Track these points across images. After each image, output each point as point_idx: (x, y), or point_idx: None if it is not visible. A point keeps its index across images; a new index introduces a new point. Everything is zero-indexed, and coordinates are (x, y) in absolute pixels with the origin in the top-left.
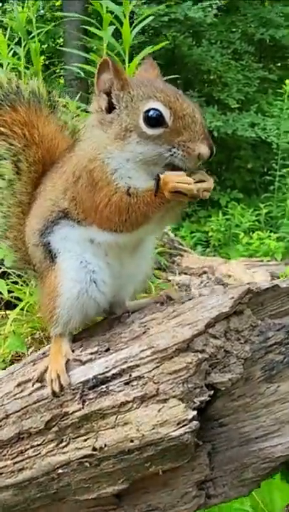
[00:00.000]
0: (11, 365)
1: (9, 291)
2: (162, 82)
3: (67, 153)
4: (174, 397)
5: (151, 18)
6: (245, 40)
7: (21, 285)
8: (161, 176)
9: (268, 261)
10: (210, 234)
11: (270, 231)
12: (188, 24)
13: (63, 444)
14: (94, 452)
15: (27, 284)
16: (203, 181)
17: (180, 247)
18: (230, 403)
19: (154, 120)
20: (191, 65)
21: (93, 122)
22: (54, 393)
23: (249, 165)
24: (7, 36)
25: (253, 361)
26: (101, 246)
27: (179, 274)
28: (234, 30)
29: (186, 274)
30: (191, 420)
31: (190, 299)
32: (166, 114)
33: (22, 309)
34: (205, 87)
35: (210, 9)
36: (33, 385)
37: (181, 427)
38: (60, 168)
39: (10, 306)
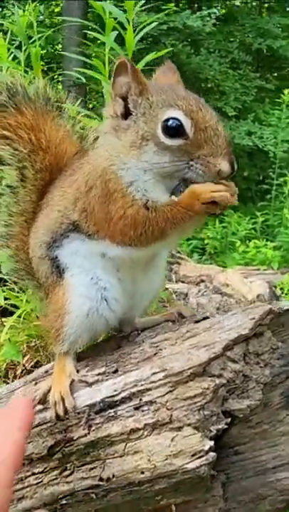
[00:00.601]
0: (5, 374)
1: (5, 298)
2: (184, 89)
3: (77, 160)
4: (188, 425)
5: (154, 24)
6: (243, 50)
7: (18, 292)
8: (189, 189)
9: (265, 270)
10: (206, 241)
11: (267, 240)
12: (187, 33)
13: (67, 472)
14: (101, 483)
15: (24, 292)
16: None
17: (177, 254)
18: (246, 430)
19: (174, 130)
20: (190, 73)
21: (107, 128)
22: (58, 417)
23: (245, 173)
24: (7, 40)
25: (272, 386)
26: (113, 261)
27: (177, 282)
28: (232, 39)
29: (183, 282)
30: (207, 451)
31: (204, 318)
32: (187, 124)
33: (19, 317)
34: (203, 95)
35: (208, 19)
36: (34, 407)
37: (197, 459)
38: (70, 177)
39: (6, 313)
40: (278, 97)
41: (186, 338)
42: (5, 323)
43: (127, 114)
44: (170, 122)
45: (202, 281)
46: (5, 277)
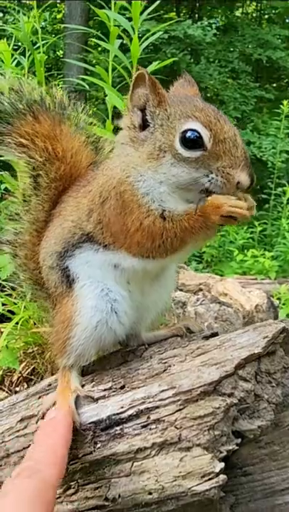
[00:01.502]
0: (2, 380)
1: (3, 304)
2: (202, 101)
3: (91, 171)
4: (198, 445)
5: (158, 34)
6: (242, 60)
7: (15, 298)
8: (210, 199)
9: (262, 279)
10: (204, 250)
11: (265, 249)
12: (188, 42)
13: (71, 491)
14: (106, 503)
15: (22, 298)
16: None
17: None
18: (256, 451)
19: (192, 142)
20: None
21: (124, 139)
22: None
23: None
24: (11, 46)
25: (284, 406)
26: (124, 272)
27: (175, 290)
28: (232, 49)
29: (182, 290)
30: (218, 474)
31: (213, 334)
32: (206, 136)
33: (16, 323)
34: None
35: (209, 28)
36: (37, 422)
37: (207, 481)
38: (84, 188)
39: (3, 319)
40: (277, 107)
41: (196, 355)
42: (2, 330)
43: (144, 125)
44: (188, 134)
45: (200, 290)
46: (3, 283)
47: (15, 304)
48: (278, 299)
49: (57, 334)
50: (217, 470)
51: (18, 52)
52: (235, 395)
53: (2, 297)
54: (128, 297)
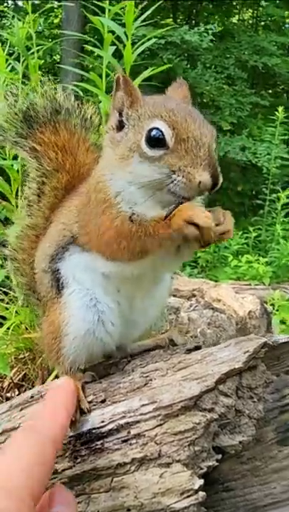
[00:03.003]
0: None
1: None
2: (176, 102)
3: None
4: (178, 461)
5: (153, 40)
6: (238, 66)
7: (7, 303)
8: (179, 206)
9: (256, 285)
10: (198, 255)
11: (259, 255)
12: (184, 48)
13: None
14: None
15: (13, 303)
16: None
17: None
18: (238, 466)
19: (155, 140)
20: None
21: (106, 142)
22: None
23: (239, 188)
24: (6, 51)
25: (265, 421)
26: (112, 281)
27: (168, 296)
28: (228, 56)
29: (175, 296)
30: (197, 491)
31: (196, 348)
32: (168, 135)
33: (8, 329)
34: (198, 109)
35: (206, 34)
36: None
37: (185, 498)
38: (77, 190)
39: None
40: (272, 113)
41: (178, 370)
42: None
43: (121, 126)
44: (153, 132)
45: (194, 295)
46: None
47: (6, 309)
48: (272, 304)
49: (48, 345)
50: (196, 487)
51: (12, 57)
52: (215, 410)
53: None
54: (116, 309)
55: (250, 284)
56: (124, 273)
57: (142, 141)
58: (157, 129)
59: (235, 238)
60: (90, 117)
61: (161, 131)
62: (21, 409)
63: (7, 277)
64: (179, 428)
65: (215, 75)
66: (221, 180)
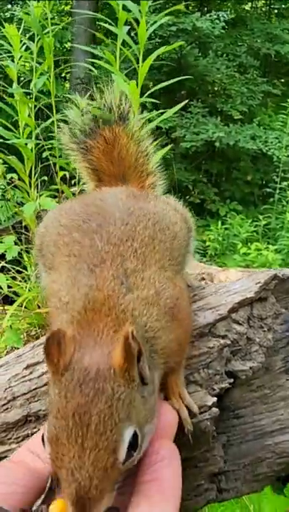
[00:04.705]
0: None
1: (8, 287)
2: None
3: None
4: (193, 382)
5: (166, 18)
6: (251, 54)
7: (20, 281)
8: None
9: None
10: (207, 243)
11: (268, 242)
12: (196, 35)
13: None
14: None
15: (25, 281)
16: None
17: None
18: (248, 394)
19: None
20: (197, 76)
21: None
22: None
23: (248, 177)
24: (20, 30)
25: (274, 351)
26: None
27: None
28: (240, 43)
29: None
30: (210, 407)
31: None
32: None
33: (20, 305)
34: (209, 97)
35: (218, 21)
36: (46, 365)
37: (200, 413)
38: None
39: (7, 301)
40: (284, 102)
41: (194, 302)
42: (7, 311)
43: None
44: None
45: (203, 279)
46: (7, 266)
47: (19, 285)
48: None
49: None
50: (209, 403)
51: (26, 37)
52: (228, 336)
53: (8, 279)
54: None
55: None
56: None
57: None
58: None
59: (244, 226)
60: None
61: None
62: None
63: (21, 256)
64: (194, 352)
65: (226, 63)
66: None
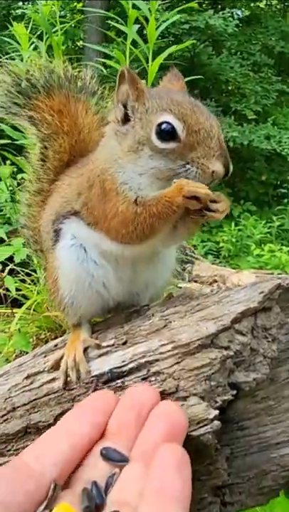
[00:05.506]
0: None
1: (17, 289)
2: (181, 94)
3: (90, 154)
4: (194, 394)
5: (176, 17)
6: (265, 53)
7: (29, 283)
8: (176, 182)
9: (279, 274)
10: (221, 244)
11: (282, 244)
12: (209, 33)
13: None
14: None
15: (34, 283)
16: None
17: (192, 254)
18: (252, 405)
19: (166, 134)
20: (210, 74)
21: (110, 132)
22: (65, 384)
23: (263, 177)
24: (29, 29)
25: (279, 361)
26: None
27: (190, 281)
28: (255, 42)
29: (196, 282)
30: (212, 420)
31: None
32: (179, 128)
33: (28, 308)
34: (223, 96)
35: (231, 19)
36: (46, 375)
37: (202, 426)
38: (78, 170)
39: (16, 304)
40: None
41: (196, 311)
42: (15, 314)
43: (126, 119)
44: (163, 126)
45: (215, 281)
46: (16, 268)
47: (27, 288)
48: None
49: (52, 294)
50: (211, 416)
51: (35, 35)
52: (231, 347)
53: (16, 282)
54: (112, 270)
55: (272, 273)
56: (124, 253)
57: (152, 134)
58: (167, 122)
59: (258, 227)
60: (89, 82)
61: (171, 125)
62: (45, 356)
63: (30, 259)
64: (196, 364)
65: (240, 62)
66: (231, 168)
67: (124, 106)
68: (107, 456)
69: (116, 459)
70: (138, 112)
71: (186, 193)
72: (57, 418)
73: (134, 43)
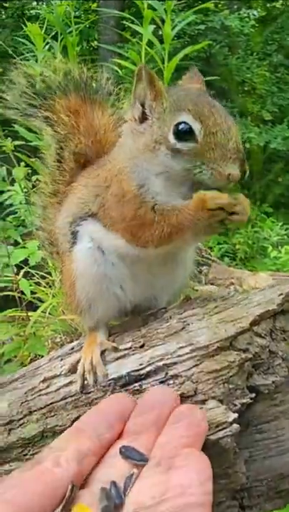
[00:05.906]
0: None
1: (32, 292)
2: (200, 94)
3: (106, 155)
4: (213, 397)
5: (191, 18)
6: (281, 53)
7: (44, 286)
8: (198, 194)
9: None
10: (237, 246)
11: None
12: (225, 34)
13: None
14: None
15: (50, 286)
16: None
17: (208, 256)
18: (271, 408)
19: (184, 134)
20: (226, 75)
21: (126, 131)
22: (82, 387)
23: (280, 178)
24: (44, 30)
25: None
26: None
27: (206, 284)
28: (271, 42)
29: (213, 284)
30: (231, 423)
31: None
32: (197, 128)
33: (44, 311)
34: (239, 97)
35: (248, 19)
36: (63, 378)
37: (220, 430)
38: (95, 170)
39: (31, 307)
40: None
41: (214, 314)
42: (30, 318)
43: (144, 118)
44: (181, 126)
45: (232, 283)
46: (31, 271)
47: (43, 291)
48: None
49: (68, 297)
50: (230, 420)
51: (50, 36)
52: (250, 350)
53: (31, 285)
54: (128, 272)
55: None
56: (140, 255)
57: (170, 134)
58: (185, 123)
59: (275, 229)
60: (105, 83)
61: (189, 125)
62: (61, 360)
63: (45, 262)
64: (214, 367)
65: (257, 62)
66: (248, 171)
67: (142, 105)
68: (127, 454)
69: (136, 458)
70: (155, 111)
71: (212, 206)
72: (73, 422)
73: (149, 44)
